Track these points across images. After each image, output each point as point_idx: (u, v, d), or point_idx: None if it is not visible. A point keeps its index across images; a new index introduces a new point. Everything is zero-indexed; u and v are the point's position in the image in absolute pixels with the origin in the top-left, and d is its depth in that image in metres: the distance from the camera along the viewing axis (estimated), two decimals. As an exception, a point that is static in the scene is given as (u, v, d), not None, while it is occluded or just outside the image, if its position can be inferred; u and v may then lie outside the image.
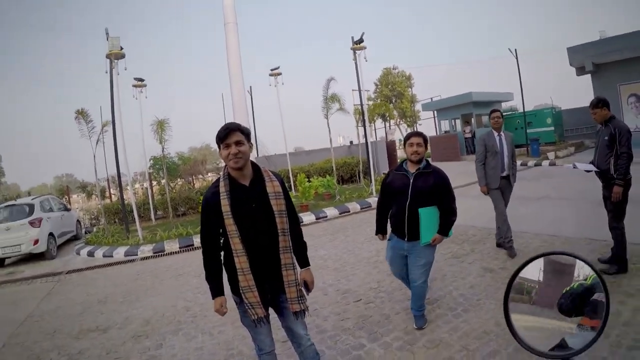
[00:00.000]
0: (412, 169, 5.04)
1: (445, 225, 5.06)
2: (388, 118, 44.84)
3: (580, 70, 26.49)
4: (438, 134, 36.09)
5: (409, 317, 5.42)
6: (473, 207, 7.95)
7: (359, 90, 19.30)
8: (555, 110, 32.68)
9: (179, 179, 22.65)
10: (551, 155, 24.71)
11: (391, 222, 5.19)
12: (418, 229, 4.97)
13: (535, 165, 23.05)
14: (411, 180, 4.96)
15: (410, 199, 4.92)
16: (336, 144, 28.04)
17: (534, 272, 0.96)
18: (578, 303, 0.93)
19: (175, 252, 11.35)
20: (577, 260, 0.93)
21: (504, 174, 7.59)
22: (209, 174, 26.46)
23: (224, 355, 4.98)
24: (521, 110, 30.61)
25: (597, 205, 6.78)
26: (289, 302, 3.58)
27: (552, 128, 31.32)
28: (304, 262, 3.81)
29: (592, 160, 6.71)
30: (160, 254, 11.62)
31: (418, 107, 49.42)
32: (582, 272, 0.91)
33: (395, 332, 5.18)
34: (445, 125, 36.10)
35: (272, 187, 3.52)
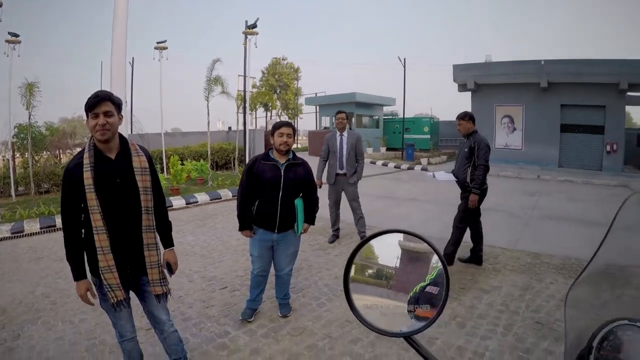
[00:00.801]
0: (281, 159, 5.02)
1: (312, 214, 5.28)
2: (270, 108, 44.96)
3: (463, 87, 28.87)
4: (318, 129, 36.65)
5: (274, 306, 5.58)
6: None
7: (244, 75, 19.19)
8: (433, 120, 34.61)
9: (44, 152, 21.42)
10: (424, 161, 26.56)
11: (257, 215, 5.06)
12: (291, 220, 5.04)
13: (408, 168, 24.72)
14: (282, 172, 4.95)
15: (283, 191, 4.95)
16: (214, 129, 27.80)
17: (375, 249, 0.99)
18: (419, 294, 0.99)
19: (36, 232, 10.55)
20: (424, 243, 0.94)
21: (342, 171, 8.23)
22: (78, 149, 25.18)
23: (86, 345, 4.79)
24: (401, 116, 32.02)
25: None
26: (151, 284, 3.47)
27: (428, 136, 33.12)
28: (167, 242, 3.73)
29: (453, 169, 7.42)
30: (19, 234, 10.52)
31: (302, 100, 49.95)
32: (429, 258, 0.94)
33: (260, 319, 5.30)
34: (325, 121, 36.78)
35: (139, 162, 3.37)
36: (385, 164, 26.66)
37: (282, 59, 55.73)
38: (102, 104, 3.13)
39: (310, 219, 5.30)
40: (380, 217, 10.90)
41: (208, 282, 6.53)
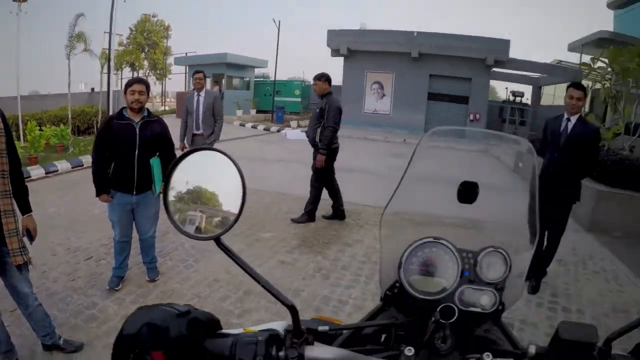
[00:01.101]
0: (135, 117, 4.92)
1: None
2: (137, 67, 43.30)
3: (336, 53, 29.44)
4: (187, 90, 35.89)
5: (141, 272, 5.60)
6: None
7: (110, 32, 18.38)
8: (304, 83, 34.78)
9: None
10: (294, 123, 27.15)
11: (114, 178, 4.98)
12: (149, 180, 4.99)
13: (278, 131, 25.03)
14: (138, 130, 4.87)
15: (139, 150, 4.87)
16: (76, 91, 26.43)
17: (190, 165, 1.10)
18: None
19: None
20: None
21: (198, 132, 8.25)
22: None
23: None
24: (273, 78, 32.12)
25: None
26: (11, 254, 3.33)
27: (299, 99, 33.50)
28: (25, 208, 3.60)
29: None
30: None
31: (171, 60, 48.23)
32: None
33: (128, 286, 5.30)
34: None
35: None
36: (254, 127, 26.74)
37: (153, 16, 53.16)
38: None
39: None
40: (250, 177, 10.82)
41: (72, 253, 6.30)
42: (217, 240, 1.01)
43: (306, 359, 0.95)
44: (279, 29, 29.94)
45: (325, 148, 7.36)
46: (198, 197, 1.06)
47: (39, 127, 15.33)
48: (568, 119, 5.63)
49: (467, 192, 1.36)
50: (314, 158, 7.68)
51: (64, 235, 6.90)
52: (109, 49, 18.39)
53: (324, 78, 7.56)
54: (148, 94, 5.04)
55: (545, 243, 5.80)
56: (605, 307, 5.50)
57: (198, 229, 1.05)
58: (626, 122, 12.03)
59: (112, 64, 18.66)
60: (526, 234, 1.37)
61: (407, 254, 1.26)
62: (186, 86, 37.50)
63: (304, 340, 0.98)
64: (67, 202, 8.89)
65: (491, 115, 28.92)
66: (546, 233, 5.76)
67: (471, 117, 27.65)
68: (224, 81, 32.90)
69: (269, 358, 0.93)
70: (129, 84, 4.88)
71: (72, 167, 12.87)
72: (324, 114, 7.37)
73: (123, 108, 5.01)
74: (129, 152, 4.84)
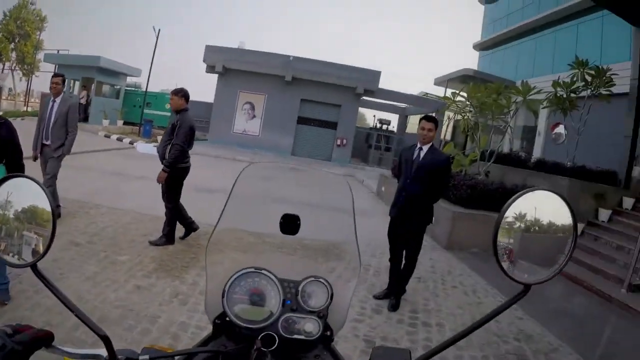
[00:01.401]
0: None
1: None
2: (3, 59, 40.69)
3: (211, 69, 29.46)
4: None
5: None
6: (69, 177, 8.04)
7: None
8: (172, 97, 34.22)
9: None
10: (160, 138, 26.01)
11: None
12: None
13: (130, 143, 24.57)
14: None
15: None
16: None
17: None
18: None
19: None
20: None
21: (47, 142, 7.58)
22: None
23: None
24: (144, 89, 31.57)
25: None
26: None
27: (169, 114, 32.77)
28: None
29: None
30: None
31: (41, 56, 45.27)
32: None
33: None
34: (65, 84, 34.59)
35: None
36: (120, 139, 25.34)
37: (31, 4, 49.29)
38: None
39: None
40: (109, 195, 10.53)
41: None
42: (34, 267, 1.02)
43: None
44: (157, 37, 29.26)
45: (169, 166, 7.06)
46: (13, 225, 1.04)
47: None
48: (420, 148, 5.99)
49: (290, 224, 1.45)
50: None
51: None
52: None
53: (181, 94, 7.31)
54: (0, 97, 4.74)
55: (403, 262, 6.13)
56: (465, 319, 5.86)
57: (16, 256, 1.06)
58: (482, 150, 13.24)
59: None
60: (350, 263, 1.49)
61: (229, 284, 1.32)
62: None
63: None
64: None
65: (358, 141, 30.29)
66: (404, 253, 6.11)
67: (338, 142, 28.68)
68: (93, 86, 31.41)
69: None
70: None
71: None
72: (174, 130, 7.16)
73: None
74: None
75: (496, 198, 9.87)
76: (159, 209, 8.78)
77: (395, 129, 34.42)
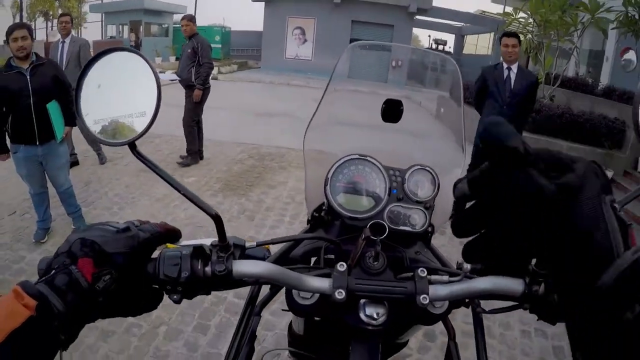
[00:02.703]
0: (23, 64, 4.78)
1: (71, 115, 5.10)
2: (51, 16, 41.20)
3: (257, -2, 28.43)
4: (103, 39, 34.70)
5: (66, 222, 5.60)
6: None
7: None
8: (224, 29, 34.13)
9: None
10: (214, 70, 26.10)
11: (13, 131, 4.84)
12: (50, 127, 4.86)
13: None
14: (28, 77, 4.74)
15: (34, 97, 4.74)
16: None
17: (103, 69, 1.00)
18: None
19: None
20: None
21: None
22: None
23: None
24: (192, 24, 31.47)
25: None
26: None
27: (219, 45, 32.76)
28: None
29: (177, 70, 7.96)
30: None
31: (87, 8, 45.79)
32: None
33: (54, 237, 5.29)
34: (112, 30, 34.84)
35: None
36: (162, 72, 25.82)
37: None
38: None
39: (71, 119, 5.16)
40: (163, 126, 10.73)
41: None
42: (132, 145, 0.95)
43: (234, 274, 0.91)
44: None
45: (203, 83, 7.62)
46: (111, 101, 0.99)
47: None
48: (509, 68, 5.72)
49: (392, 111, 1.35)
50: (187, 97, 7.89)
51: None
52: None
53: (192, 19, 7.91)
54: (32, 38, 4.87)
55: None
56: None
57: (111, 135, 0.99)
58: (546, 72, 12.54)
59: (24, 14, 17.77)
60: (453, 153, 1.41)
61: (332, 172, 1.22)
62: (102, 34, 36.08)
63: (230, 254, 0.94)
64: None
65: (414, 62, 29.42)
66: None
67: (393, 63, 27.84)
68: (141, 28, 31.89)
69: (195, 274, 0.89)
70: (9, 32, 4.72)
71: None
72: (197, 53, 7.59)
73: (10, 58, 4.87)
74: (24, 102, 4.70)
75: (561, 124, 9.58)
76: (220, 134, 9.23)
77: (452, 50, 33.46)
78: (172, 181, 0.95)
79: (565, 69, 14.66)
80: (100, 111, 0.98)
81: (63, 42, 7.25)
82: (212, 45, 25.74)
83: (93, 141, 7.47)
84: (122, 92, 0.99)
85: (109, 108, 0.98)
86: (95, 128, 0.97)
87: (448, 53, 31.79)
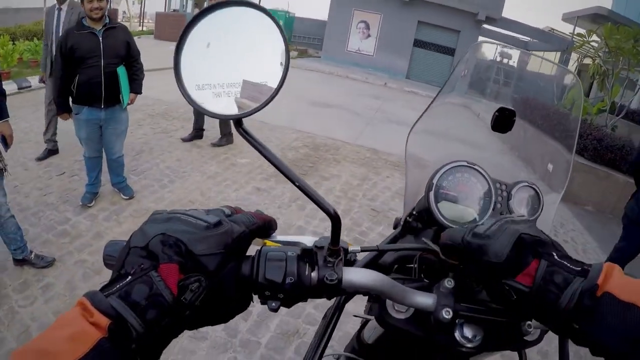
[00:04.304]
0: (97, 26, 4.76)
1: (138, 82, 5.18)
2: None
3: (324, -14, 28.35)
4: (166, 11, 35.00)
5: (115, 190, 5.61)
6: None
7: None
8: (288, 15, 34.26)
9: None
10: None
11: (79, 92, 4.80)
12: (117, 91, 4.89)
13: None
14: (101, 38, 4.74)
15: (105, 59, 4.76)
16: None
17: (213, 26, 0.85)
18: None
19: None
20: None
21: None
22: None
23: None
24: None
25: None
26: None
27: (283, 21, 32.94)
28: (1, 113, 3.61)
29: None
30: None
31: None
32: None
33: (101, 203, 5.35)
34: (175, 3, 35.18)
35: None
36: None
37: None
38: None
39: (138, 87, 5.22)
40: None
41: (44, 169, 6.27)
42: (238, 121, 0.83)
43: (344, 283, 0.83)
44: (267, -45, 29.42)
45: None
46: (220, 65, 0.86)
47: (12, 42, 14.64)
48: None
49: (503, 120, 1.26)
50: None
51: (35, 149, 6.76)
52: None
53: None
54: (107, 1, 4.86)
55: None
56: None
57: (218, 105, 0.86)
58: (612, 101, 12.21)
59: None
60: (558, 174, 1.39)
61: (438, 177, 1.15)
62: (166, 7, 36.37)
63: (340, 260, 0.85)
64: (39, 118, 8.48)
65: (475, 72, 28.87)
66: None
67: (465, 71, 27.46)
68: (206, 4, 32.07)
69: (301, 280, 0.80)
70: None
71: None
72: None
73: (82, 18, 4.85)
74: (94, 63, 4.72)
75: (622, 157, 9.18)
76: (276, 118, 9.40)
77: (515, 65, 32.78)
78: (286, 169, 0.84)
79: (631, 100, 14.20)
80: (206, 76, 0.86)
81: (59, 9, 6.30)
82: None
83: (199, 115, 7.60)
84: (237, 56, 0.86)
85: (218, 73, 0.86)
86: (197, 95, 0.85)
87: (511, 67, 31.23)
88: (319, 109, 11.74)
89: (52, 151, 6.65)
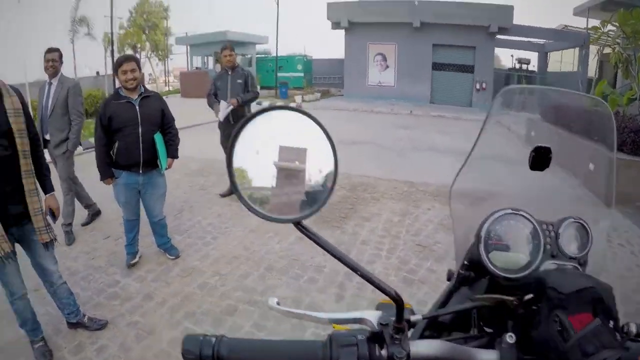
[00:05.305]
0: (132, 95, 4.91)
1: (174, 147, 5.25)
2: (140, 49, 43.22)
3: (336, 25, 29.31)
4: (189, 69, 35.94)
5: (161, 251, 5.62)
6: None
7: (111, 15, 18.40)
8: (306, 58, 34.72)
9: None
10: (298, 98, 26.87)
11: (118, 158, 4.92)
12: (154, 157, 4.99)
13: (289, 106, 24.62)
14: (137, 107, 4.88)
15: (142, 127, 4.89)
16: (82, 75, 26.53)
17: (259, 131, 0.89)
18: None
19: None
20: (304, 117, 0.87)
21: (46, 136, 6.15)
22: None
23: None
24: (274, 54, 32.16)
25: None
26: (37, 232, 3.40)
27: (302, 74, 33.46)
28: (47, 187, 3.65)
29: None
30: None
31: (172, 40, 48.17)
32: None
33: (148, 264, 5.36)
34: (197, 61, 36.08)
35: (11, 102, 3.19)
36: (259, 103, 26.36)
37: None
38: None
39: (174, 152, 5.29)
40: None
41: (90, 232, 6.39)
42: (298, 223, 0.86)
43: (412, 356, 0.87)
44: (278, 4, 29.94)
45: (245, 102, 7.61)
46: (271, 170, 0.89)
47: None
48: None
49: (540, 158, 1.25)
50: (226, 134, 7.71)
51: (80, 214, 6.78)
52: (111, 32, 18.38)
53: (234, 50, 7.89)
54: (140, 69, 4.99)
55: None
56: (632, 283, 5.29)
57: (272, 208, 0.89)
58: (641, 87, 11.72)
59: (115, 47, 18.61)
60: (601, 201, 1.37)
61: (485, 228, 1.16)
62: (188, 65, 37.39)
63: (405, 335, 0.90)
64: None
65: (497, 84, 28.38)
66: None
67: (477, 86, 27.35)
68: (217, 65, 32.89)
69: (373, 359, 0.85)
70: (118, 64, 4.86)
71: (84, 149, 12.91)
72: (247, 82, 7.63)
73: (118, 88, 5.03)
74: (132, 131, 4.85)
75: None
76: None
77: (535, 69, 32.50)
78: (345, 258, 0.90)
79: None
80: (257, 180, 0.90)
81: (50, 83, 6.08)
82: (295, 75, 26.48)
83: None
84: (283, 159, 0.89)
85: (269, 177, 0.89)
86: (252, 199, 0.89)
87: (532, 72, 30.93)
88: (350, 147, 11.73)
89: (94, 214, 6.80)
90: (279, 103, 24.29)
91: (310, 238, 0.86)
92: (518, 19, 26.63)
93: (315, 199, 0.87)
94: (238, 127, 0.85)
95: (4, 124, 3.14)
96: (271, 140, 0.87)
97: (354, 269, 0.89)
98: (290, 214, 0.87)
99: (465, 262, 1.23)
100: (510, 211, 1.17)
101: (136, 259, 5.34)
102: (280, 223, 0.88)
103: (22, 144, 3.22)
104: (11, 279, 3.42)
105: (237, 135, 0.85)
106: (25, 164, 3.25)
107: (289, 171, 0.89)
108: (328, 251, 0.88)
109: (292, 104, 24.49)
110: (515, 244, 1.14)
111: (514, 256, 1.13)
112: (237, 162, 0.86)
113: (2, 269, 3.33)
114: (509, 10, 26.58)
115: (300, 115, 0.86)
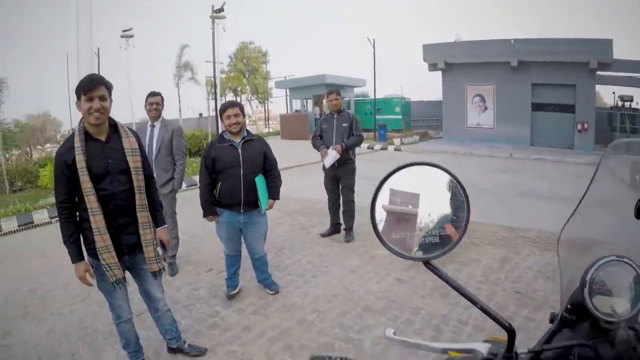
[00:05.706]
0: (236, 138, 5.16)
1: (276, 189, 5.37)
2: (240, 92, 44.62)
3: (433, 67, 29.09)
4: (289, 112, 36.62)
5: (261, 285, 5.74)
6: (320, 183, 8.32)
7: (214, 61, 19.16)
8: (404, 100, 34.62)
9: (15, 149, 20.70)
10: (397, 141, 26.64)
11: (221, 197, 5.16)
12: (255, 198, 5.13)
13: (381, 149, 24.80)
14: (240, 150, 5.09)
15: (244, 169, 5.06)
16: (185, 116, 27.68)
17: (400, 181, 1.06)
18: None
19: (13, 231, 10.23)
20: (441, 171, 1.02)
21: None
22: (48, 145, 24.39)
23: (78, 335, 4.83)
24: (372, 96, 32.23)
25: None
26: (147, 261, 3.63)
27: (400, 117, 33.28)
28: (159, 221, 3.88)
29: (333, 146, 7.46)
30: (-4, 234, 10.11)
31: (271, 84, 49.43)
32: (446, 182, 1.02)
33: (248, 297, 5.49)
34: (296, 104, 36.71)
35: (129, 143, 3.49)
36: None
37: (250, 43, 54.68)
38: (98, 87, 3.21)
39: (275, 193, 5.40)
40: (360, 196, 10.87)
41: (193, 265, 6.68)
42: (428, 262, 1.01)
43: None
44: (374, 47, 30.15)
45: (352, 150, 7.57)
46: (409, 216, 1.03)
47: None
48: None
49: None
50: (350, 172, 7.71)
51: (184, 248, 7.16)
52: (214, 75, 19.15)
53: (339, 94, 7.75)
54: (243, 115, 5.23)
55: None
56: None
57: (407, 248, 1.04)
58: None
59: (217, 90, 19.31)
60: None
61: (591, 274, 1.21)
62: (288, 108, 38.16)
63: None
64: (184, 217, 8.91)
65: (599, 124, 26.93)
66: None
67: (579, 127, 26.00)
68: (325, 102, 33.22)
69: None
70: (223, 109, 5.15)
71: (187, 186, 13.50)
72: (352, 126, 7.49)
73: (223, 132, 5.31)
74: (234, 172, 5.05)
75: None
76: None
77: (639, 106, 30.89)
78: (469, 295, 1.05)
79: None
80: (397, 225, 1.04)
81: (152, 125, 6.38)
82: (393, 117, 26.50)
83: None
84: (422, 208, 1.05)
85: (407, 222, 1.03)
86: (390, 239, 1.03)
87: (636, 110, 29.35)
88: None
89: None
90: (378, 145, 24.47)
91: (437, 275, 0.99)
92: (619, 54, 25.45)
93: (445, 241, 1.01)
94: (383, 179, 1.04)
95: (122, 162, 3.43)
96: (409, 190, 1.04)
97: (475, 302, 1.02)
98: (421, 254, 1.01)
99: (569, 306, 1.30)
100: (614, 258, 1.21)
101: (236, 290, 5.53)
102: (412, 261, 1.01)
103: (138, 180, 3.49)
104: (120, 303, 3.68)
105: (380, 185, 1.04)
106: (140, 199, 3.51)
107: (399, 214, 1.04)
108: (453, 287, 1.01)
109: (391, 147, 24.57)
110: (618, 290, 1.19)
111: (617, 301, 1.18)
112: (379, 207, 1.02)
113: (112, 293, 3.59)
114: (607, 43, 25.10)
115: (436, 169, 1.01)
